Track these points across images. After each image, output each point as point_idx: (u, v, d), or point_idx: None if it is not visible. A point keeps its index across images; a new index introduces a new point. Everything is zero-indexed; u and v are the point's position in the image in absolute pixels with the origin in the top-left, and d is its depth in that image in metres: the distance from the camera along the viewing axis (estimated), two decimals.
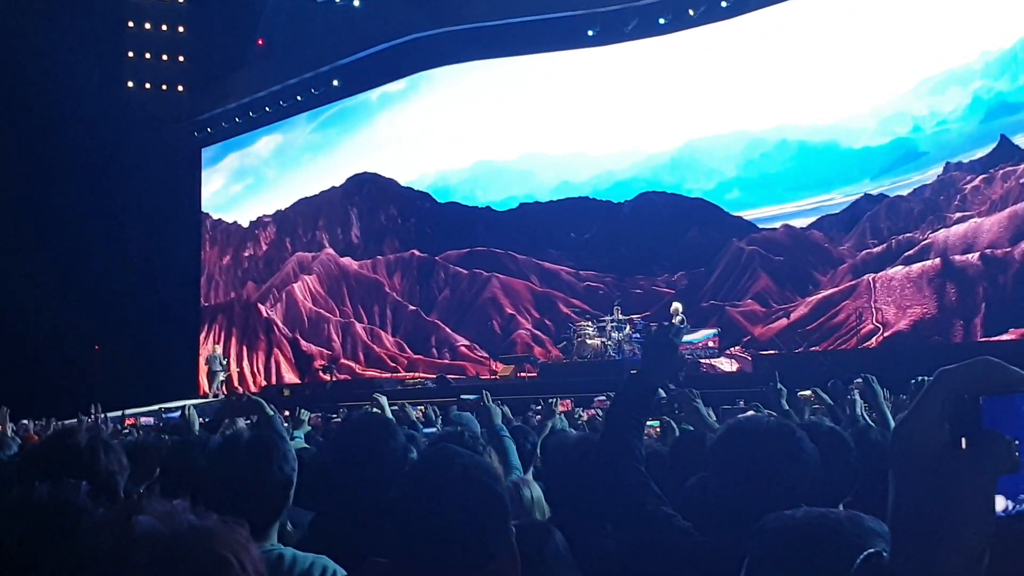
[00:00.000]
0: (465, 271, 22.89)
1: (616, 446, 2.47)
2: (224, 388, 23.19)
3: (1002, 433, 0.76)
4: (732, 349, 17.87)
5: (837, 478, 2.50)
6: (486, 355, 21.49)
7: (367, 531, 2.43)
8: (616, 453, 2.45)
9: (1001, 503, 0.77)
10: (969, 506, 0.75)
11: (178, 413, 7.02)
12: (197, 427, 6.53)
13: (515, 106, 22.09)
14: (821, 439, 2.61)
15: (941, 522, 0.76)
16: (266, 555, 2.52)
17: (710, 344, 15.55)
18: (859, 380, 8.35)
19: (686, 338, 15.62)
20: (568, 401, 11.48)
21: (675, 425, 5.42)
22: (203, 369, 26.61)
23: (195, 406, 6.93)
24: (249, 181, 27.87)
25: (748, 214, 19.28)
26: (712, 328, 16.01)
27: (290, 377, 24.54)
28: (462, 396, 8.09)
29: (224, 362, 23.42)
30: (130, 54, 26.45)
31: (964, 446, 0.76)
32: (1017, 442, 0.76)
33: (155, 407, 14.58)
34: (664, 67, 19.95)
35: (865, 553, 0.83)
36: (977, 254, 15.77)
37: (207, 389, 24.10)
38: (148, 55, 26.60)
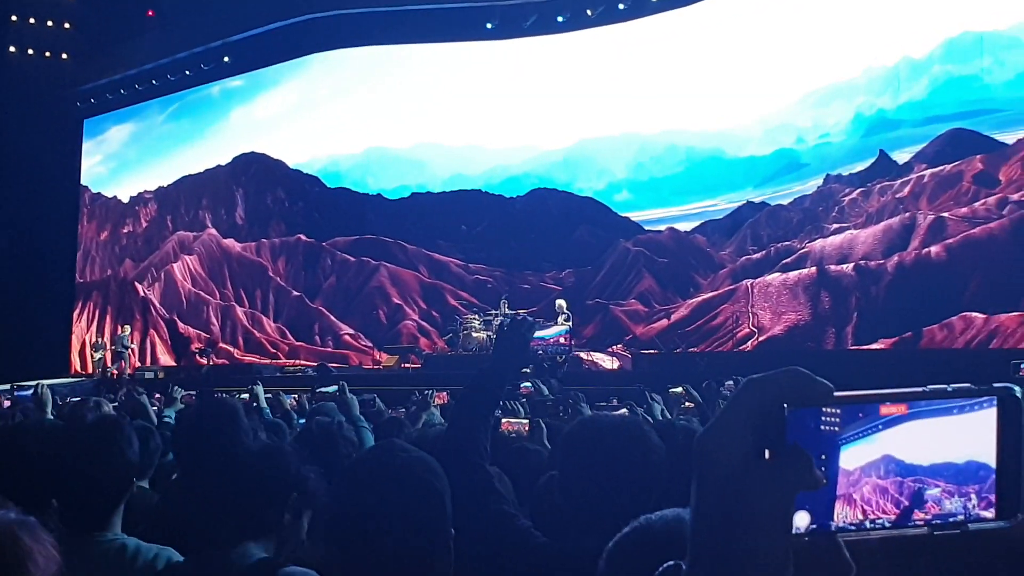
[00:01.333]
0: (353, 258, 22.64)
1: (460, 442, 2.42)
2: (100, 368, 22.45)
3: (803, 448, 0.73)
4: (614, 347, 18.17)
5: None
6: (370, 344, 21.31)
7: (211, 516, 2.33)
8: (460, 449, 2.40)
9: (804, 519, 0.75)
10: (767, 520, 0.73)
11: (31, 391, 6.71)
12: (50, 407, 6.25)
13: (411, 94, 21.92)
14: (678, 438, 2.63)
15: (738, 535, 0.73)
16: (107, 545, 2.40)
17: (561, 341, 15.70)
18: (730, 382, 8.58)
19: (539, 334, 15.71)
20: (444, 393, 11.45)
21: (543, 424, 5.42)
22: (76, 347, 25.69)
23: (65, 385, 6.64)
24: (131, 156, 27.01)
25: (635, 215, 19.60)
26: (563, 326, 16.15)
27: (166, 359, 23.86)
28: (319, 389, 7.99)
29: (129, 345, 22.56)
30: (13, 18, 25.31)
31: (767, 458, 0.73)
32: (824, 457, 0.74)
33: (6, 385, 13.89)
34: (560, 65, 20.09)
35: (664, 566, 0.80)
36: (852, 265, 16.34)
37: (90, 367, 23.41)
38: (33, 20, 25.48)
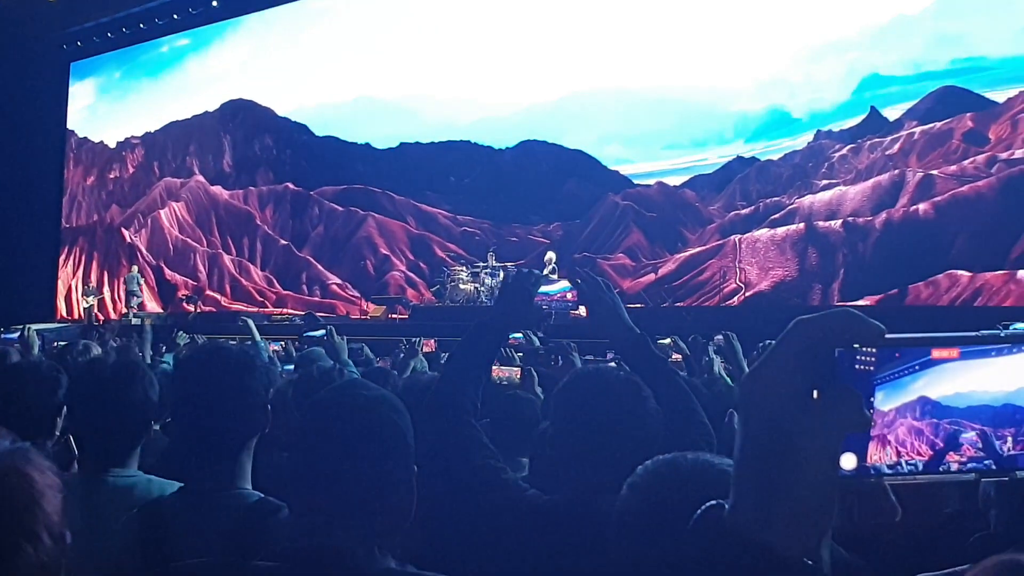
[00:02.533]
0: (340, 208, 22.54)
1: (449, 395, 2.40)
2: (87, 313, 22.36)
3: (857, 387, 0.73)
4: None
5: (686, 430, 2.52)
6: (358, 295, 21.29)
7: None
8: (448, 403, 2.38)
9: (851, 461, 0.75)
10: (814, 461, 0.73)
11: (16, 335, 6.70)
12: (36, 349, 6.24)
13: (402, 43, 21.67)
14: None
15: (784, 475, 0.73)
16: (126, 480, 2.45)
17: (568, 297, 15.66)
18: (719, 336, 8.61)
19: (543, 289, 15.65)
20: (432, 341, 11.47)
21: (535, 372, 5.45)
22: (61, 292, 25.60)
23: (51, 331, 6.64)
24: (119, 100, 26.68)
25: (625, 169, 19.52)
26: (567, 282, 16.08)
27: (152, 306, 23.80)
28: (306, 333, 8.00)
29: (141, 284, 22.42)
30: None
31: (815, 398, 0.73)
32: (872, 399, 0.74)
33: None
34: (552, 17, 19.86)
35: (706, 504, 0.80)
36: (840, 221, 16.36)
37: (76, 312, 23.31)
38: None
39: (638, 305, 17.10)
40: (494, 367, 6.28)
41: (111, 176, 26.48)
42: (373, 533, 1.60)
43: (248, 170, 24.14)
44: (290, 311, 21.17)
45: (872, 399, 0.74)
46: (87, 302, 22.55)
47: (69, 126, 27.00)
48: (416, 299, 20.15)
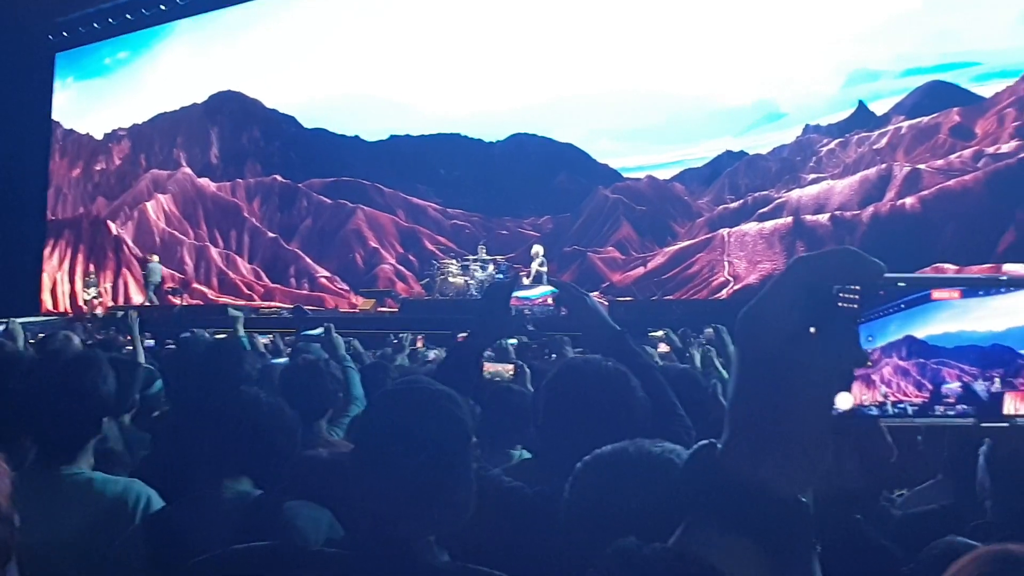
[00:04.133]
0: (329, 200, 22.48)
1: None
2: (87, 304, 22.23)
3: (853, 325, 0.73)
4: (592, 294, 18.14)
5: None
6: (347, 288, 21.24)
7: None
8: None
9: (846, 401, 0.74)
10: (809, 398, 0.72)
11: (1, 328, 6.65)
12: (21, 342, 6.19)
13: (392, 37, 21.58)
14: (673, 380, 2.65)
15: (777, 411, 0.73)
16: (75, 478, 2.40)
17: (549, 302, 15.62)
18: (709, 329, 8.64)
19: (523, 293, 15.68)
20: (420, 338, 11.46)
21: (527, 368, 5.48)
22: (47, 285, 25.47)
23: (36, 324, 6.58)
24: (105, 92, 26.50)
25: (615, 163, 19.53)
26: (549, 286, 16.06)
27: (138, 299, 23.69)
28: (304, 333, 7.99)
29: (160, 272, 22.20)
30: None
31: (812, 334, 0.72)
32: (871, 337, 0.73)
33: None
34: (543, 11, 19.83)
35: (698, 444, 0.79)
36: (828, 215, 16.42)
37: (60, 305, 23.20)
38: None
39: (627, 299, 17.11)
40: (487, 363, 6.30)
41: (97, 168, 26.34)
42: (433, 526, 1.64)
43: (236, 162, 24.05)
44: (278, 304, 21.11)
45: (862, 344, 0.74)
46: (88, 293, 22.38)
47: (54, 117, 26.82)
48: (406, 292, 20.12)
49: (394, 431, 1.65)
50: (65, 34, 25.57)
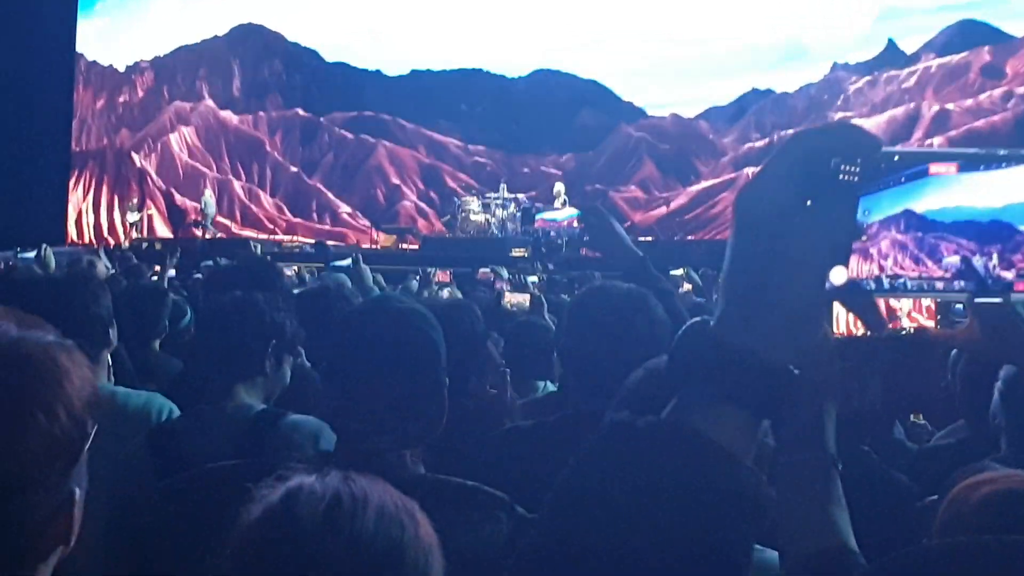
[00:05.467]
0: (351, 135, 22.40)
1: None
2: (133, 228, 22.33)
3: (852, 198, 0.72)
4: None
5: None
6: (368, 224, 21.27)
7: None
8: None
9: (841, 275, 0.74)
10: (803, 269, 0.73)
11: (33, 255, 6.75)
12: (52, 268, 6.28)
13: None
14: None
15: (771, 282, 0.73)
16: None
17: (575, 224, 15.59)
18: None
19: (549, 215, 15.68)
20: (446, 273, 11.47)
21: (543, 298, 5.49)
22: (72, 216, 25.63)
23: (62, 254, 6.69)
24: (128, 23, 26.35)
25: (638, 100, 19.33)
26: (573, 209, 16.02)
27: (163, 231, 23.81)
28: (333, 264, 8.04)
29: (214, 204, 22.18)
30: None
31: (808, 206, 0.72)
32: (867, 211, 0.73)
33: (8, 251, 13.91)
34: None
35: (691, 321, 0.80)
36: None
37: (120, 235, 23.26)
38: None
39: (649, 238, 17.06)
40: (506, 293, 6.32)
41: (120, 100, 26.30)
42: (406, 440, 1.65)
43: (258, 95, 23.97)
44: (300, 239, 21.18)
45: (854, 211, 0.74)
46: (133, 218, 22.44)
47: (78, 49, 26.72)
48: (427, 229, 20.12)
49: (364, 346, 1.65)
50: None
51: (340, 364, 1.69)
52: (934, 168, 0.74)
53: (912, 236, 0.74)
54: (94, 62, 26.65)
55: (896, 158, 0.73)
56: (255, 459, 1.76)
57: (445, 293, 7.66)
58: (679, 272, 8.42)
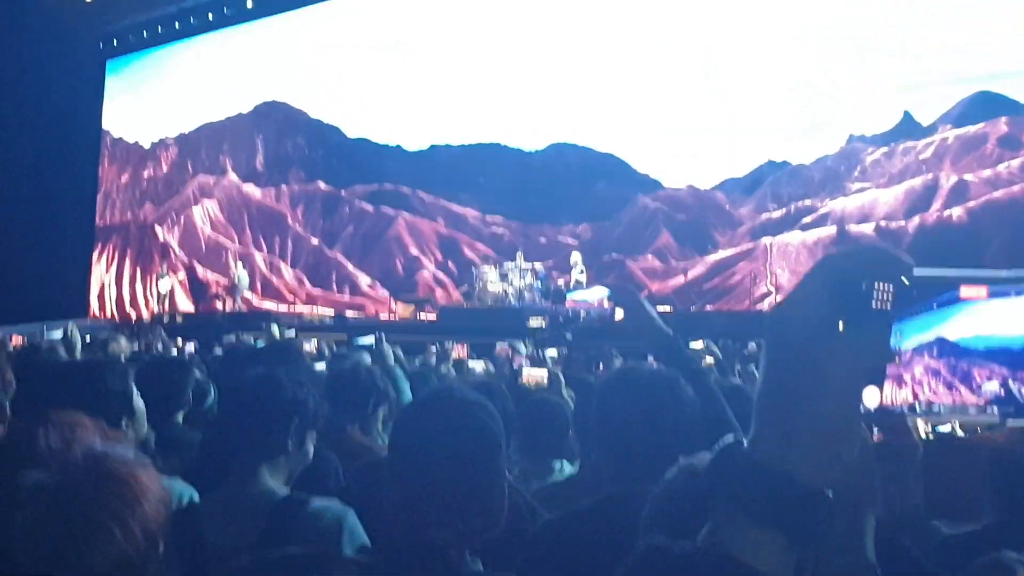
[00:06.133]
0: (371, 207, 22.61)
1: None
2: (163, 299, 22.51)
3: (885, 323, 0.73)
4: None
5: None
6: (387, 294, 21.35)
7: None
8: None
9: (874, 396, 0.75)
10: (836, 391, 0.73)
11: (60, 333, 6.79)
12: (79, 348, 6.32)
13: (434, 46, 21.69)
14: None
15: (806, 405, 0.73)
16: None
17: (605, 304, 15.57)
18: (753, 344, 8.57)
19: (579, 295, 15.74)
20: (463, 347, 11.47)
21: (561, 376, 5.48)
22: (95, 289, 25.87)
23: (84, 328, 6.73)
24: (154, 100, 26.88)
25: (655, 172, 19.43)
26: (604, 288, 16.04)
27: (184, 304, 23.99)
28: (356, 339, 8.08)
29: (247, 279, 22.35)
30: None
31: (841, 329, 0.73)
32: (900, 334, 0.76)
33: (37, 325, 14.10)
34: (586, 21, 19.81)
35: (724, 441, 0.81)
36: (872, 225, 16.22)
37: (151, 305, 23.43)
38: None
39: (667, 308, 17.03)
40: (524, 369, 6.32)
41: (145, 174, 26.72)
42: (466, 535, 1.64)
43: (280, 169, 24.29)
44: (320, 310, 21.27)
45: (889, 335, 0.74)
46: (165, 286, 22.59)
47: (104, 125, 27.25)
48: (445, 299, 20.18)
49: (426, 439, 1.65)
50: (115, 42, 26.02)
51: (402, 455, 1.70)
52: (965, 291, 0.75)
53: (945, 362, 0.75)
54: (120, 138, 27.18)
55: (926, 280, 0.74)
56: (284, 550, 1.76)
57: (479, 367, 7.64)
58: (699, 345, 8.40)
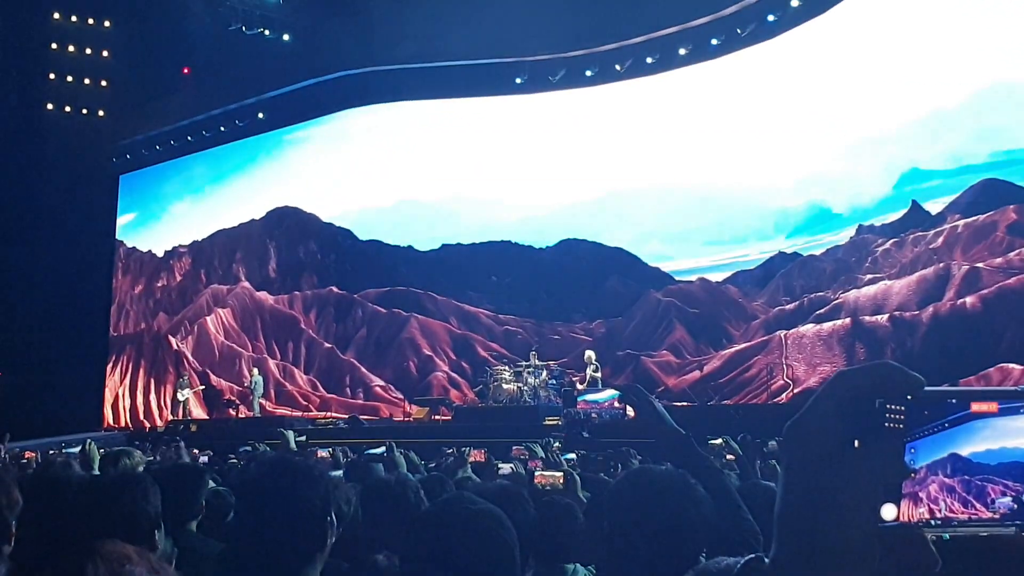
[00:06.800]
0: (383, 310, 22.73)
1: None
2: (181, 407, 22.52)
3: (899, 441, 0.75)
4: None
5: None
6: (401, 396, 21.30)
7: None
8: None
9: (891, 512, 0.75)
10: (855, 509, 0.74)
11: (78, 448, 6.77)
12: (97, 463, 6.27)
13: (441, 147, 22.14)
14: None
15: (824, 523, 0.74)
16: None
17: (616, 405, 15.52)
18: (773, 442, 8.46)
19: (591, 397, 15.71)
20: (482, 452, 11.35)
21: (577, 477, 5.42)
22: (108, 400, 25.87)
23: (98, 439, 6.70)
24: (166, 211, 27.38)
25: (665, 266, 19.55)
26: (614, 389, 16.03)
27: (198, 412, 23.96)
28: (368, 452, 8.04)
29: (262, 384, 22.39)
30: (51, 76, 25.90)
31: (856, 447, 0.75)
32: (913, 449, 0.76)
33: (55, 439, 14.11)
34: (589, 117, 20.23)
35: (746, 558, 0.80)
36: (886, 316, 16.20)
37: (166, 412, 23.43)
38: (70, 78, 26.07)
39: (684, 403, 16.92)
40: (537, 472, 6.24)
41: (159, 285, 27.01)
42: None
43: (293, 275, 24.53)
44: (334, 415, 21.20)
45: (903, 452, 0.76)
46: (183, 395, 22.61)
47: (118, 236, 27.67)
48: (459, 400, 20.11)
49: (438, 552, 1.64)
50: (128, 156, 26.62)
51: (415, 567, 1.68)
52: (976, 407, 0.76)
53: (959, 479, 0.77)
54: (133, 249, 27.57)
55: (938, 397, 0.76)
56: None
57: (507, 469, 7.54)
58: (718, 442, 8.30)
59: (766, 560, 0.78)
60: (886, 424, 0.74)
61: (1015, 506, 0.76)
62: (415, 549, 1.73)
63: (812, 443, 0.76)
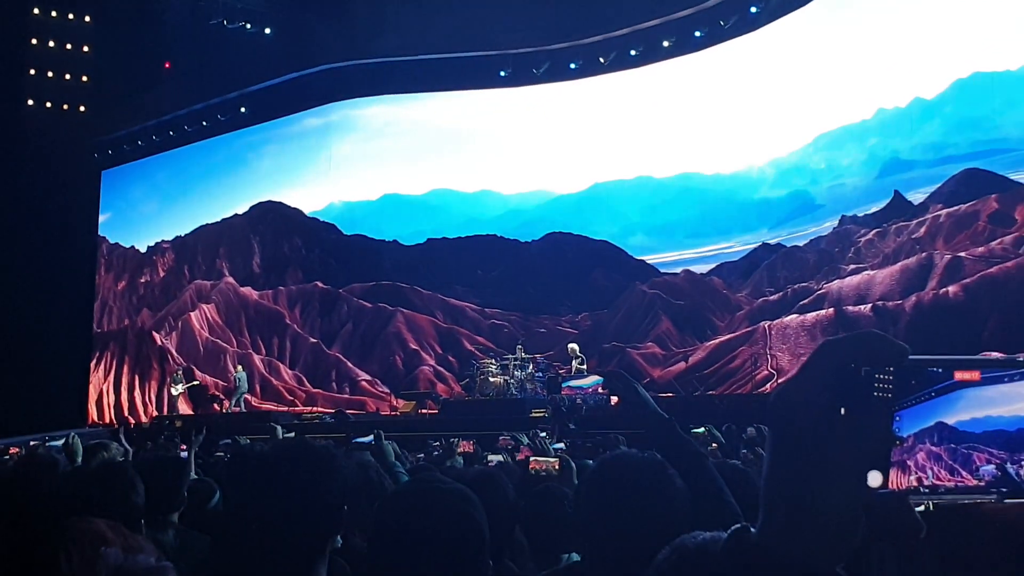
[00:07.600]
0: (369, 304, 22.68)
1: None
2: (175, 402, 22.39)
3: (887, 409, 0.76)
4: None
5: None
6: (387, 391, 21.26)
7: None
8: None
9: (877, 479, 0.76)
10: (841, 477, 0.75)
11: (62, 442, 6.73)
12: (80, 458, 6.25)
13: (426, 141, 22.11)
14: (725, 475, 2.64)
15: (811, 491, 0.75)
16: None
17: (600, 390, 15.54)
18: (751, 429, 8.51)
19: (575, 383, 15.72)
20: (470, 443, 11.35)
21: (572, 462, 5.42)
22: (92, 396, 25.74)
23: (83, 435, 6.68)
24: (149, 206, 27.22)
25: (650, 258, 19.59)
26: (598, 376, 16.04)
27: (183, 407, 23.83)
28: (355, 440, 8.01)
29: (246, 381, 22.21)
30: (32, 72, 25.70)
31: (843, 415, 0.75)
32: (900, 418, 0.77)
33: (39, 435, 14.00)
34: (573, 110, 20.24)
35: (732, 528, 0.81)
36: (869, 305, 16.26)
37: (165, 406, 23.31)
38: (51, 73, 25.85)
39: (669, 395, 16.95)
40: (531, 458, 6.24)
41: (142, 281, 26.86)
42: None
43: (277, 270, 24.43)
44: (320, 409, 21.13)
45: (891, 421, 0.77)
46: (176, 390, 22.47)
47: (100, 232, 27.49)
48: (446, 393, 20.08)
49: (406, 529, 1.64)
50: (110, 152, 26.45)
51: (383, 548, 1.67)
52: (959, 375, 0.77)
53: (945, 448, 0.78)
54: (116, 245, 27.39)
55: (922, 366, 0.77)
56: None
57: (496, 460, 7.53)
58: (701, 430, 8.35)
59: (752, 529, 0.78)
60: (875, 393, 0.75)
61: (999, 474, 0.77)
62: (381, 528, 1.71)
63: (799, 411, 0.76)
